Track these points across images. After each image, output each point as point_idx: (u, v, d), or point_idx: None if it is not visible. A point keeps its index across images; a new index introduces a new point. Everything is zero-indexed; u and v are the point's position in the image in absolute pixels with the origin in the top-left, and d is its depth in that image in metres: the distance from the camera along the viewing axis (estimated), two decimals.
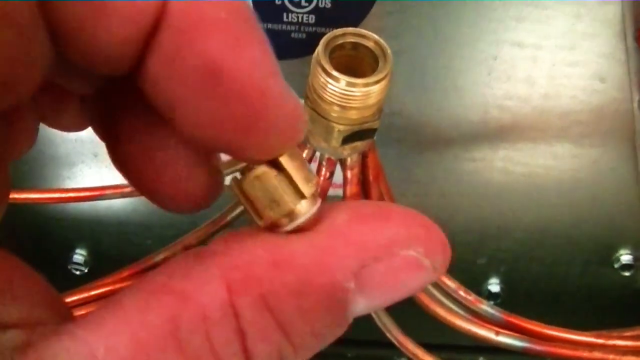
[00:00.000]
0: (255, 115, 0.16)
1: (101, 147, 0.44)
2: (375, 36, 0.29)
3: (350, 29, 0.29)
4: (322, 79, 0.28)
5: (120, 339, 0.14)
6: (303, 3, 0.37)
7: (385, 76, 0.28)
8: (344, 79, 0.28)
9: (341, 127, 0.29)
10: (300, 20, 0.37)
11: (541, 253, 0.46)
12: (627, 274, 0.46)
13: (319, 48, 0.28)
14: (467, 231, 0.46)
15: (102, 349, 0.14)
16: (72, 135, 0.43)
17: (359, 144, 0.30)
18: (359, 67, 0.29)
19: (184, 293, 0.15)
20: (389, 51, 0.29)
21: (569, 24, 0.37)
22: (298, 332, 0.15)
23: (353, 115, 0.29)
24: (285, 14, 0.37)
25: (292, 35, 0.38)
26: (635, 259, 0.45)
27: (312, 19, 0.37)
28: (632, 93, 0.39)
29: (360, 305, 0.16)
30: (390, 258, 0.17)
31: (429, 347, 0.38)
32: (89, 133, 0.42)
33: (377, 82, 0.28)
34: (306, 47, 0.34)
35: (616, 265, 0.46)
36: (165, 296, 0.15)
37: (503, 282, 0.48)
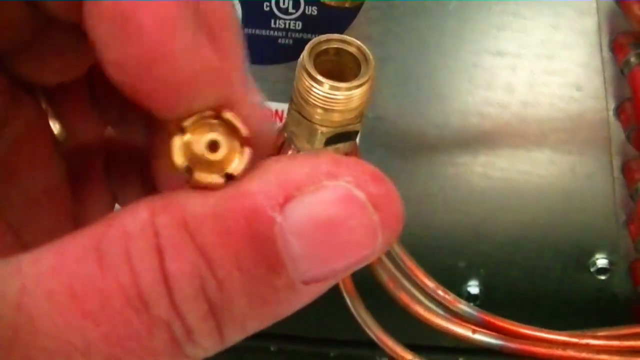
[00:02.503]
0: (152, 57, 0.16)
1: None
2: (358, 42, 0.30)
3: (334, 36, 0.30)
4: (306, 83, 0.29)
5: (46, 256, 0.15)
6: (290, 10, 0.38)
7: (367, 80, 0.29)
8: (327, 82, 0.29)
9: (324, 129, 0.30)
10: (287, 26, 0.38)
11: (519, 257, 0.47)
12: (603, 277, 0.47)
13: (304, 53, 0.29)
14: (447, 235, 0.47)
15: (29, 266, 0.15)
16: None
17: (341, 146, 0.31)
18: (342, 71, 0.30)
19: (111, 218, 0.15)
20: (371, 57, 0.30)
21: (547, 34, 0.38)
22: (220, 260, 0.15)
23: (336, 117, 0.30)
24: (273, 20, 0.38)
25: (280, 41, 0.39)
26: (610, 263, 0.46)
27: (299, 25, 0.38)
28: (608, 102, 0.40)
29: (296, 249, 0.15)
30: (317, 189, 0.15)
31: (409, 348, 0.39)
32: None
33: (359, 86, 0.29)
34: (293, 52, 0.35)
35: (592, 269, 0.47)
36: (96, 224, 0.15)
37: (482, 285, 0.49)
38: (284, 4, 0.38)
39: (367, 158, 0.42)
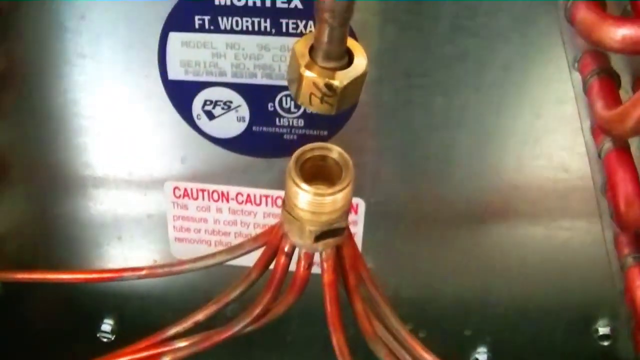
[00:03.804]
0: None
1: (125, 230, 0.50)
2: (339, 148, 0.34)
3: (317, 144, 0.34)
4: (294, 190, 0.33)
5: None
6: (292, 109, 0.42)
7: (348, 184, 0.33)
8: (312, 189, 0.32)
9: (312, 228, 0.34)
10: (291, 124, 0.42)
11: (524, 325, 0.50)
12: (606, 343, 0.49)
13: (290, 163, 0.33)
14: (453, 305, 0.49)
15: None
16: (98, 219, 0.49)
17: (331, 240, 0.35)
18: (328, 174, 0.34)
19: None
20: (350, 162, 0.33)
21: (531, 122, 0.42)
22: None
23: (323, 218, 0.33)
24: (277, 119, 0.42)
25: (285, 136, 0.43)
26: (612, 329, 0.48)
27: (301, 122, 0.42)
28: (595, 179, 0.42)
29: None
30: None
31: None
32: (112, 219, 0.48)
33: (342, 189, 0.33)
34: (297, 146, 0.39)
35: (595, 336, 0.49)
36: None
37: (490, 352, 0.51)
38: (286, 104, 0.42)
39: (373, 239, 0.46)
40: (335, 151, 0.34)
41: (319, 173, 0.34)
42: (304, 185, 0.32)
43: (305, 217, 0.33)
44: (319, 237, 0.34)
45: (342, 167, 0.33)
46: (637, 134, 0.40)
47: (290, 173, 0.33)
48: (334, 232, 0.34)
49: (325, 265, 0.36)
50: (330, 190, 0.33)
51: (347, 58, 0.32)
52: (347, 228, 0.36)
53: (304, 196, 0.33)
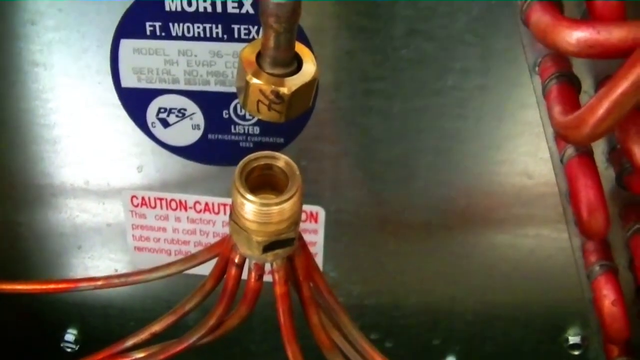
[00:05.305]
0: None
1: (84, 239, 0.49)
2: (285, 157, 0.33)
3: (263, 153, 0.33)
4: (239, 200, 0.32)
5: None
6: (247, 117, 0.41)
7: (295, 193, 0.32)
8: (258, 200, 0.31)
9: (259, 239, 0.33)
10: (246, 131, 0.41)
11: (492, 334, 0.49)
12: (576, 352, 0.48)
13: (235, 173, 0.32)
14: (420, 314, 0.48)
15: None
16: (57, 229, 0.48)
17: (280, 251, 0.34)
18: (275, 183, 0.33)
19: None
20: (297, 171, 0.32)
21: (493, 126, 0.41)
22: None
23: (270, 228, 0.32)
24: (233, 126, 0.41)
25: (241, 144, 0.42)
26: (583, 338, 0.47)
27: (257, 130, 0.41)
28: (560, 187, 0.41)
29: None
30: None
31: None
32: (71, 228, 0.47)
33: (289, 199, 0.32)
34: None
35: (566, 345, 0.48)
36: None
37: None
38: (241, 111, 0.41)
39: (334, 247, 0.45)
40: (281, 160, 0.33)
41: (266, 182, 0.33)
42: (249, 196, 0.31)
43: (252, 228, 0.32)
44: (267, 248, 0.33)
45: (289, 176, 0.32)
46: (594, 140, 0.39)
47: (235, 183, 0.32)
48: (283, 243, 0.34)
49: (276, 276, 0.35)
50: (276, 200, 0.32)
51: (296, 64, 0.32)
52: (298, 238, 0.35)
53: (250, 206, 0.32)
